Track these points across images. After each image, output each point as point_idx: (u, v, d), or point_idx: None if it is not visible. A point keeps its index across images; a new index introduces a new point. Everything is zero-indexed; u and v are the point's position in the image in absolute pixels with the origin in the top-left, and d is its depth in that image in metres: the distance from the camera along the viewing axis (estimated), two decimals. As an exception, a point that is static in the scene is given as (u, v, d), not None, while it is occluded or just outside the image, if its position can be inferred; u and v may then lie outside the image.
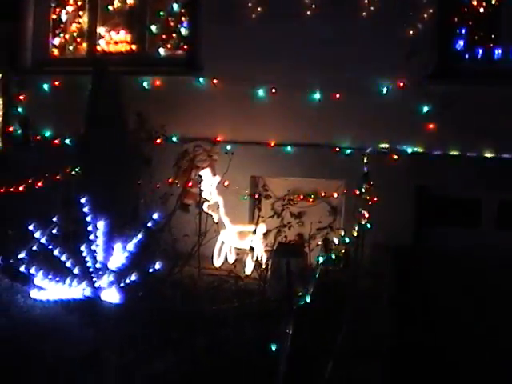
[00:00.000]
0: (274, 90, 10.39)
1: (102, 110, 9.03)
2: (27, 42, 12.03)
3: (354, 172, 9.39)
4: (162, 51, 11.42)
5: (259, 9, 10.54)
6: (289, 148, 10.44)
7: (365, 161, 9.69)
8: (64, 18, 12.17)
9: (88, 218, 7.28)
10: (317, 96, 10.28)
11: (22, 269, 7.23)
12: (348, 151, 10.24)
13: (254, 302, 7.97)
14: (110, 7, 11.86)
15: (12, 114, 11.98)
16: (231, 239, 9.96)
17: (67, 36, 12.15)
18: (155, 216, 7.20)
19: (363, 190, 8.56)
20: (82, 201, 7.31)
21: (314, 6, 10.27)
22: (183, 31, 11.38)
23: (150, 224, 7.24)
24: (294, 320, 4.65)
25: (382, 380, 5.46)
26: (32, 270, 7.19)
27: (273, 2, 10.44)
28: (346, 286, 7.47)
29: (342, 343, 6.07)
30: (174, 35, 11.46)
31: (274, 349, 4.55)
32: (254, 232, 9.39)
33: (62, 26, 12.19)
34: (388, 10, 9.91)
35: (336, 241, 8.88)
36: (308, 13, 10.31)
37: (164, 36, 11.51)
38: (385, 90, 10.00)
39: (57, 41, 12.14)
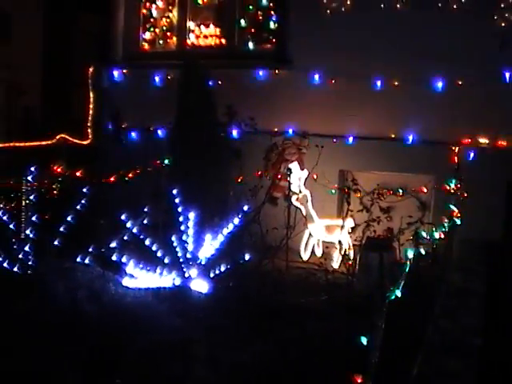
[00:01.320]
0: (363, 84, 10.25)
1: (192, 102, 9.09)
2: (118, 36, 12.29)
3: (444, 167, 9.23)
4: (250, 45, 11.46)
5: (348, 1, 10.42)
6: (377, 142, 10.30)
7: (455, 156, 9.50)
8: (154, 12, 12.36)
9: (179, 209, 7.35)
10: (407, 90, 10.10)
11: (114, 257, 7.34)
12: (438, 145, 10.04)
13: (341, 295, 7.95)
14: (200, 1, 11.99)
15: (103, 107, 12.23)
16: (319, 233, 9.92)
17: (157, 30, 12.34)
18: (245, 208, 7.22)
19: (453, 186, 8.41)
20: (174, 192, 7.37)
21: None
22: (272, 25, 11.38)
23: (239, 216, 7.26)
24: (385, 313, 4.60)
25: (473, 375, 5.36)
26: (123, 259, 7.31)
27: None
28: (436, 281, 7.35)
29: (432, 338, 5.98)
30: (262, 29, 11.48)
31: (364, 341, 4.50)
32: (343, 226, 9.34)
33: (152, 20, 12.40)
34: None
35: (426, 235, 8.74)
36: (398, 5, 10.16)
37: (253, 30, 11.54)
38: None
39: (147, 35, 12.36)
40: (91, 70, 13.02)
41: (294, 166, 9.86)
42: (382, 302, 4.75)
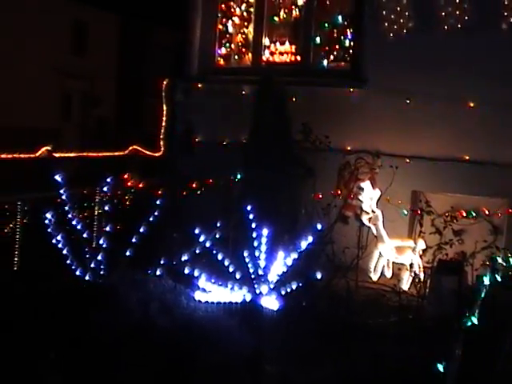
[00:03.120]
0: (438, 104, 10.17)
1: (267, 119, 9.15)
2: (194, 51, 12.41)
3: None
4: (325, 62, 11.47)
5: (426, 22, 10.36)
6: (451, 163, 10.18)
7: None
8: (230, 28, 12.47)
9: (252, 225, 7.37)
10: (482, 111, 9.98)
11: (186, 271, 7.38)
12: (513, 169, 9.89)
13: (412, 318, 7.87)
14: (276, 18, 12.07)
15: (177, 120, 12.37)
16: (389, 253, 9.83)
17: (233, 46, 12.45)
18: (318, 227, 7.19)
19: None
20: (246, 207, 7.39)
21: (483, 18, 10.01)
22: (347, 43, 11.38)
23: (312, 234, 7.24)
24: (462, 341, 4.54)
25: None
26: (195, 273, 7.34)
27: (439, 16, 10.24)
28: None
29: (506, 367, 5.86)
30: (338, 47, 11.48)
31: (441, 369, 4.44)
32: (414, 248, 9.26)
33: (227, 36, 12.51)
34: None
35: (500, 261, 8.60)
36: (477, 26, 10.06)
37: (328, 47, 11.55)
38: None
39: (223, 50, 12.47)
40: (165, 83, 13.17)
41: (367, 185, 9.81)
42: (458, 328, 4.68)
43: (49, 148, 18.83)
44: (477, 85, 9.94)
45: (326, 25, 11.63)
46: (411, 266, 9.32)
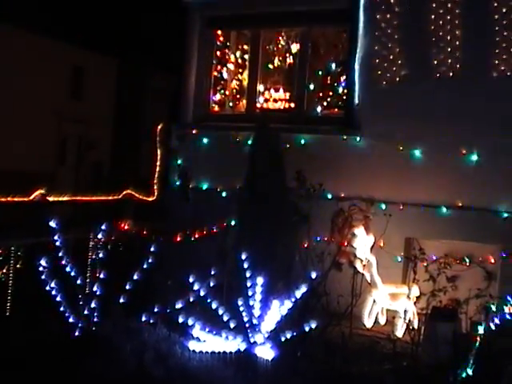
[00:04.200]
0: (430, 151, 10.26)
1: (262, 166, 9.19)
2: (189, 97, 12.50)
3: (512, 237, 9.16)
4: (319, 109, 11.57)
5: (418, 70, 10.50)
6: (444, 210, 10.25)
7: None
8: (225, 74, 12.58)
9: (246, 273, 7.37)
10: (474, 158, 10.08)
11: (180, 319, 7.37)
12: (506, 215, 9.93)
13: (407, 366, 7.84)
14: (270, 65, 12.20)
15: (171, 166, 12.42)
16: (383, 300, 9.82)
17: (227, 92, 12.55)
18: (313, 276, 7.20)
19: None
20: (242, 256, 7.40)
21: (475, 66, 10.16)
22: (341, 90, 11.49)
23: (308, 283, 7.25)
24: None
25: None
26: (190, 322, 7.33)
27: (431, 64, 10.40)
28: (505, 357, 7.20)
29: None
30: (331, 94, 11.60)
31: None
32: (408, 295, 9.27)
33: (222, 82, 12.62)
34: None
35: (494, 308, 8.61)
36: (469, 74, 10.21)
37: (322, 94, 11.67)
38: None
39: (217, 97, 12.56)
40: (160, 128, 13.26)
41: (360, 231, 9.83)
42: (454, 381, 4.69)
43: (43, 192, 18.85)
44: (469, 132, 10.06)
45: (320, 72, 11.75)
46: (405, 312, 9.30)
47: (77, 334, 8.02)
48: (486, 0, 10.08)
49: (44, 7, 24.35)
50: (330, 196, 10.43)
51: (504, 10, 9.95)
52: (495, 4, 10.00)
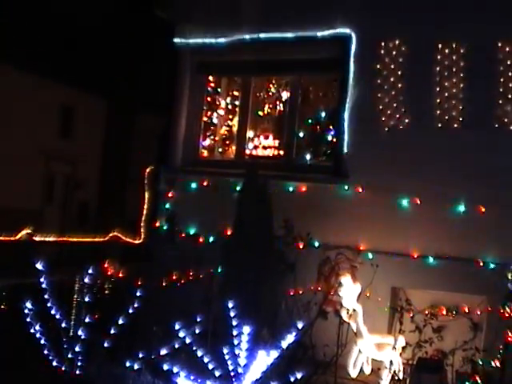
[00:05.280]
0: (418, 202, 10.33)
1: (249, 213, 9.23)
2: (178, 141, 12.55)
3: (498, 288, 9.19)
4: (308, 157, 11.65)
5: (406, 120, 10.62)
6: (431, 260, 10.28)
7: (509, 277, 9.41)
8: (215, 120, 12.66)
9: (232, 321, 7.34)
10: (462, 208, 10.14)
11: (165, 367, 7.32)
12: (492, 266, 9.97)
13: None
14: (260, 112, 12.29)
15: (159, 209, 12.42)
16: (368, 350, 9.79)
17: (217, 138, 12.62)
18: (299, 326, 7.17)
19: (507, 309, 8.32)
20: (229, 304, 7.37)
21: (460, 119, 10.27)
22: (330, 138, 11.58)
23: (293, 332, 7.22)
24: None
25: None
26: (175, 369, 7.28)
27: (418, 114, 10.54)
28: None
29: None
30: (320, 142, 11.68)
31: None
32: (394, 345, 9.25)
33: (212, 128, 12.69)
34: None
35: (480, 362, 8.62)
36: (455, 125, 10.32)
37: (311, 143, 11.75)
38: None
39: (207, 142, 12.62)
40: (148, 171, 13.29)
41: (347, 280, 9.83)
42: None
43: (29, 231, 18.80)
44: (458, 183, 10.14)
45: (310, 120, 11.85)
46: (391, 363, 9.28)
47: (60, 378, 7.96)
48: (489, 52, 10.19)
49: (35, 46, 24.50)
50: (317, 244, 10.44)
51: (508, 63, 10.07)
52: (500, 56, 10.11)
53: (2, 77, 23.82)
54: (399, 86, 10.70)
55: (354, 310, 9.73)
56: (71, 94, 27.05)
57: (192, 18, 12.35)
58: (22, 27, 24.41)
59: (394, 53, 10.73)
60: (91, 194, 28.48)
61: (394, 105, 10.69)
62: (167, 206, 12.16)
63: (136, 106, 29.45)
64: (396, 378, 8.87)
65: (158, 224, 12.31)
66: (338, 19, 11.01)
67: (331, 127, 11.60)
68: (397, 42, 10.70)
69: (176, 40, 12.51)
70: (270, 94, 12.35)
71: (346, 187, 10.80)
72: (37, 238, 19.03)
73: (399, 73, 10.72)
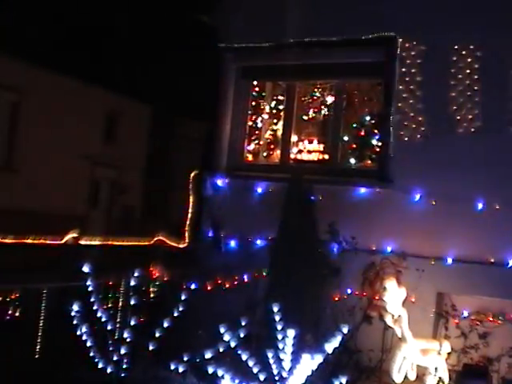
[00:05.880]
0: (464, 206, 10.22)
1: (295, 217, 9.25)
2: (223, 146, 12.54)
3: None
4: (353, 161, 11.61)
5: (446, 123, 10.52)
6: (477, 265, 10.15)
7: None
8: (259, 125, 12.67)
9: (277, 325, 7.36)
10: (508, 214, 10.01)
11: (210, 370, 7.36)
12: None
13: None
14: (305, 117, 12.26)
15: (204, 213, 12.46)
16: (413, 355, 9.71)
17: (261, 142, 12.63)
18: (344, 330, 7.16)
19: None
20: (274, 308, 7.39)
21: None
22: (374, 142, 11.52)
23: (338, 337, 7.21)
24: None
25: None
26: (219, 372, 7.32)
27: (460, 117, 10.43)
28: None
29: None
30: (365, 146, 11.63)
31: None
32: (439, 351, 9.18)
33: (257, 132, 12.69)
34: None
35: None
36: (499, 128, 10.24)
37: (355, 147, 11.71)
38: None
39: (251, 146, 12.63)
40: (193, 175, 13.34)
41: (392, 285, 9.78)
42: None
43: (75, 235, 19.10)
44: (502, 187, 10.03)
45: (354, 124, 11.81)
46: (436, 369, 9.21)
47: (106, 379, 8.04)
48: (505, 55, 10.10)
49: (83, 54, 24.81)
50: (362, 249, 10.40)
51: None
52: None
53: (50, 83, 24.14)
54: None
55: (399, 315, 9.68)
56: (116, 100, 27.33)
57: (235, 23, 12.37)
58: (71, 36, 24.74)
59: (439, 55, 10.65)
60: (136, 198, 28.73)
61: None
62: (212, 210, 12.17)
63: (180, 112, 29.64)
64: (441, 383, 8.79)
65: (202, 228, 12.32)
66: (383, 22, 10.96)
67: (376, 131, 11.53)
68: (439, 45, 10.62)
69: (220, 44, 12.56)
70: (315, 98, 12.32)
71: (391, 191, 10.72)
72: (82, 242, 19.34)
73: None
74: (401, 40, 10.88)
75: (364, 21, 11.13)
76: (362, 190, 10.96)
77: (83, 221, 24.60)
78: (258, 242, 11.28)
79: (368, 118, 11.75)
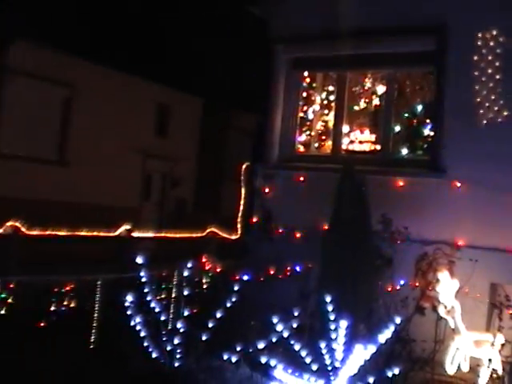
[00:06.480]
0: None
1: (347, 208, 9.22)
2: (275, 138, 12.56)
3: None
4: (404, 151, 11.53)
5: (505, 113, 10.37)
6: (532, 256, 10.03)
7: None
8: (310, 116, 12.65)
9: (330, 315, 7.36)
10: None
11: (263, 360, 7.40)
12: None
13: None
14: (356, 107, 12.21)
15: (255, 205, 12.50)
16: (466, 347, 9.63)
17: (313, 133, 12.61)
18: (397, 321, 7.14)
19: None
20: (326, 298, 7.40)
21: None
22: (426, 132, 11.43)
23: (390, 327, 7.19)
24: None
25: None
26: (272, 362, 7.35)
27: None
28: None
29: None
30: (417, 136, 11.53)
31: None
32: (493, 342, 9.08)
33: (308, 123, 12.67)
34: None
35: None
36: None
37: (407, 137, 11.62)
38: None
39: (303, 138, 12.62)
40: (245, 167, 13.39)
41: (444, 276, 9.71)
42: None
43: (128, 227, 19.31)
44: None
45: (406, 114, 11.72)
46: (489, 360, 9.11)
47: (160, 370, 8.13)
48: None
49: (135, 49, 25.01)
50: (414, 239, 10.32)
51: None
52: None
53: (102, 78, 24.39)
54: (497, 77, 10.46)
55: (452, 306, 9.61)
56: (168, 93, 27.48)
57: (286, 14, 12.37)
58: (122, 30, 24.96)
59: (492, 44, 10.49)
60: (187, 190, 28.91)
61: (492, 97, 10.46)
62: (263, 201, 12.20)
63: (230, 105, 29.71)
64: (494, 375, 8.70)
65: (254, 220, 12.37)
66: (435, 10, 10.85)
67: (428, 121, 11.43)
68: (494, 33, 10.46)
69: (270, 36, 12.56)
70: (366, 88, 12.26)
71: (444, 181, 10.63)
72: (135, 234, 19.55)
73: (497, 64, 10.47)
74: (452, 27, 10.76)
75: (415, 8, 11.04)
76: (415, 180, 10.90)
77: (136, 213, 24.83)
78: (310, 232, 11.27)
79: (420, 108, 11.65)
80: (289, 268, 10.42)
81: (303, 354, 7.43)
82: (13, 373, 8.48)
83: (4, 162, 21.39)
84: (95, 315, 10.50)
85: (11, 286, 10.78)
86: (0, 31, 20.98)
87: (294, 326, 7.66)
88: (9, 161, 21.55)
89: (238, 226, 13.60)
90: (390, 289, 9.48)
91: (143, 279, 8.34)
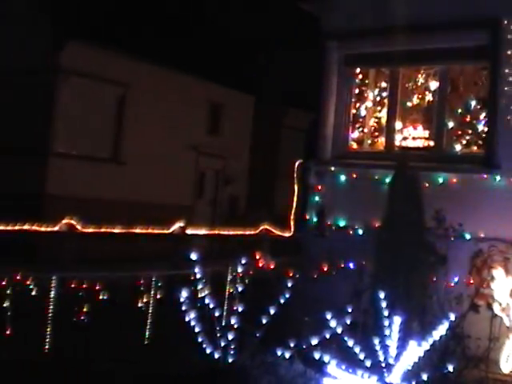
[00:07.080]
0: None
1: (400, 205, 9.19)
2: (327, 134, 12.55)
3: None
4: (458, 148, 11.43)
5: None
6: None
7: None
8: (363, 112, 12.62)
9: (383, 312, 7.36)
10: None
11: (317, 356, 7.42)
12: None
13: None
14: (409, 103, 12.14)
15: (308, 202, 12.51)
16: (522, 345, 9.54)
17: (365, 130, 12.57)
18: (452, 318, 7.11)
19: None
20: (380, 295, 7.40)
21: None
22: (480, 128, 11.32)
23: (446, 324, 7.16)
24: None
25: None
26: (326, 358, 7.37)
27: None
28: None
29: None
30: (471, 132, 11.43)
31: None
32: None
33: (360, 120, 12.64)
34: None
35: None
36: None
37: (461, 133, 11.52)
38: None
39: (355, 134, 12.59)
40: (298, 165, 13.41)
41: (499, 273, 9.61)
42: None
43: (182, 224, 19.47)
44: None
45: (459, 110, 11.62)
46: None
47: (215, 367, 8.19)
48: None
49: (186, 46, 25.17)
50: (468, 236, 10.25)
51: None
52: None
53: (154, 76, 24.57)
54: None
55: (507, 304, 9.51)
56: (220, 91, 27.58)
57: (337, 11, 12.35)
58: (174, 28, 25.16)
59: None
60: (241, 188, 28.96)
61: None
62: (316, 198, 12.21)
63: (282, 103, 29.72)
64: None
65: (307, 217, 12.38)
66: (487, 4, 10.73)
67: (481, 117, 11.32)
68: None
69: (322, 33, 12.56)
70: (418, 84, 12.18)
71: (498, 177, 10.52)
72: (189, 231, 19.70)
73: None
74: (506, 22, 10.63)
75: (468, 3, 10.94)
76: (469, 177, 10.81)
77: (189, 211, 24.96)
78: (363, 229, 11.27)
79: (473, 103, 11.54)
80: (342, 265, 10.42)
81: (356, 350, 7.44)
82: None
83: (59, 161, 21.68)
84: (150, 311, 10.63)
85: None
86: (54, 32, 21.30)
87: (348, 322, 7.67)
88: (64, 160, 21.83)
89: (291, 223, 13.61)
90: (444, 285, 9.42)
91: (197, 275, 8.40)
